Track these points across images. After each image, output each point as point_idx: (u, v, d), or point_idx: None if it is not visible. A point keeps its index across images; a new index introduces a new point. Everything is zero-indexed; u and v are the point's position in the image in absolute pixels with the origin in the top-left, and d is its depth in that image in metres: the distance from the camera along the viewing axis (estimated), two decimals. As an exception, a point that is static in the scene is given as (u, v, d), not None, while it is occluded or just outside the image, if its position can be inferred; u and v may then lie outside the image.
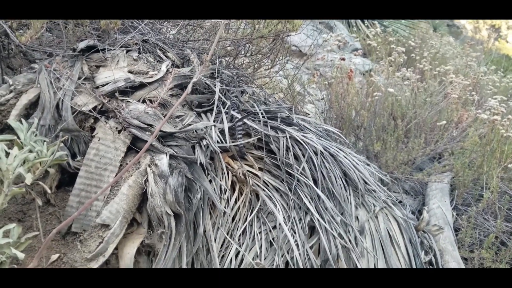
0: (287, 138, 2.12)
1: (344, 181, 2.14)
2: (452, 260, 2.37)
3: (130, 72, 1.70)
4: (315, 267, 1.84)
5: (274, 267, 1.84)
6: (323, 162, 2.12)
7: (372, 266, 1.95)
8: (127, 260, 1.47)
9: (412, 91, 3.45)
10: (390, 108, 3.17)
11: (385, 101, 3.18)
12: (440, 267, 2.30)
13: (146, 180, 1.54)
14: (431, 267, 2.27)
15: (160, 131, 1.63)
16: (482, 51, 7.69)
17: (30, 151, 1.34)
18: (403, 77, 3.62)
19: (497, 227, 2.53)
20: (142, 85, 1.69)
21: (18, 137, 1.38)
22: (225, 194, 1.93)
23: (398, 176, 3.02)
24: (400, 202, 2.83)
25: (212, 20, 2.36)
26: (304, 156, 2.10)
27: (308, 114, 3.31)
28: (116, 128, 1.58)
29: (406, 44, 6.51)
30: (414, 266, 2.08)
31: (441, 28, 13.48)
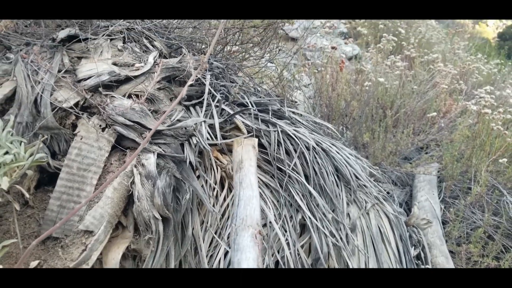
0: (278, 133, 2.05)
1: (336, 177, 2.09)
2: (440, 254, 2.36)
3: (114, 64, 1.58)
4: (306, 266, 1.80)
5: (264, 267, 1.79)
6: (315, 158, 2.06)
7: (363, 264, 1.92)
8: (112, 266, 1.38)
9: (401, 79, 3.40)
10: (380, 98, 3.12)
11: (374, 91, 3.12)
12: (429, 261, 2.29)
13: (133, 182, 1.45)
14: (419, 261, 2.26)
15: (147, 128, 1.53)
16: (468, 36, 7.71)
17: (7, 153, 1.23)
18: (391, 65, 3.57)
19: (485, 221, 2.53)
20: (127, 79, 1.58)
21: (-7, 137, 1.27)
22: (213, 191, 1.85)
23: (386, 168, 2.99)
24: (388, 193, 2.80)
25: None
26: (296, 151, 2.03)
27: (297, 102, 3.23)
28: (100, 125, 1.47)
29: (393, 29, 6.46)
30: (404, 263, 2.06)
31: (424, 11, 13.46)
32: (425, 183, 2.94)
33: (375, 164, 3.05)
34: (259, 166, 2.04)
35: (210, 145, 1.83)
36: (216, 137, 1.85)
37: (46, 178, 1.50)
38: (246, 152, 1.67)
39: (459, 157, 2.89)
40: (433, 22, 9.32)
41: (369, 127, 3.11)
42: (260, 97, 2.35)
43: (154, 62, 1.68)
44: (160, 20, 1.92)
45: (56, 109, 1.42)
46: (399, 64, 3.35)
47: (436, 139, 3.29)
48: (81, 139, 1.42)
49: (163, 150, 1.56)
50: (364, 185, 2.20)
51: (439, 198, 2.85)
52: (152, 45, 1.86)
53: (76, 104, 1.46)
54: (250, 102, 2.11)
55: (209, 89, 1.90)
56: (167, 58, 1.84)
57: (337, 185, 2.09)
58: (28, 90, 1.41)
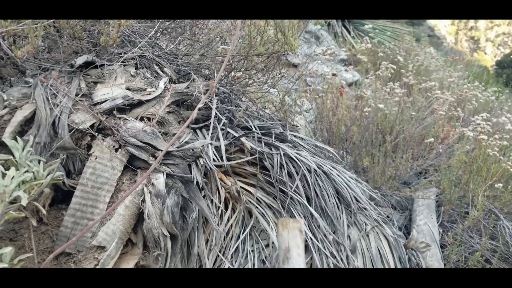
0: (281, 155, 2.12)
1: (336, 199, 2.16)
2: (439, 277, 2.40)
3: (128, 89, 1.68)
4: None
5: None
6: (317, 180, 2.13)
7: (363, 285, 1.97)
8: (122, 282, 1.44)
9: (400, 105, 3.50)
10: (379, 123, 3.21)
11: (374, 116, 3.22)
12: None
13: (143, 200, 1.52)
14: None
15: (157, 149, 1.61)
16: (464, 64, 7.87)
17: (26, 171, 1.31)
18: (390, 91, 3.67)
19: (482, 245, 2.58)
20: (140, 103, 1.67)
21: (13, 156, 1.35)
22: (218, 210, 1.92)
23: (386, 192, 3.05)
24: (388, 217, 2.86)
25: (208, 33, 2.36)
26: (297, 174, 2.10)
27: (298, 126, 3.32)
28: (113, 146, 1.55)
29: (391, 56, 6.62)
30: (403, 285, 2.10)
31: (422, 38, 13.75)
32: (423, 207, 3.00)
33: (375, 188, 3.12)
34: (262, 188, 2.11)
35: (216, 166, 1.91)
36: (221, 159, 1.92)
37: (60, 196, 1.57)
38: (293, 238, 1.46)
39: (456, 182, 2.96)
40: (431, 49, 9.53)
41: (368, 151, 3.19)
42: (263, 121, 2.44)
43: (165, 87, 1.77)
44: (169, 47, 2.03)
45: (72, 131, 1.51)
46: (398, 91, 3.45)
47: (435, 164, 3.36)
48: (95, 159, 1.50)
49: (172, 170, 1.64)
50: (364, 208, 2.26)
51: (437, 222, 2.90)
52: (162, 71, 1.96)
53: (92, 126, 1.55)
54: (254, 126, 2.19)
55: (215, 112, 1.99)
56: (176, 84, 1.93)
57: (338, 207, 2.16)
58: (47, 112, 1.50)
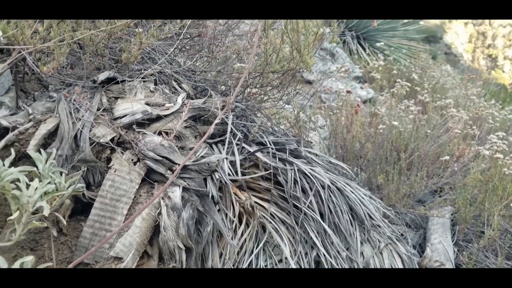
0: (295, 171, 2.15)
1: (350, 216, 2.16)
2: (454, 297, 2.38)
3: (147, 104, 1.73)
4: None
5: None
6: (330, 196, 2.14)
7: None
8: (137, 293, 1.47)
9: (414, 123, 3.50)
10: (393, 141, 3.21)
11: (388, 134, 3.22)
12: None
13: (159, 213, 1.55)
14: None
15: (174, 163, 1.65)
16: (481, 83, 7.82)
17: (49, 183, 1.36)
18: (405, 109, 3.68)
19: (498, 265, 2.54)
20: (158, 117, 1.72)
21: (37, 167, 1.40)
22: (232, 224, 1.94)
23: (400, 210, 3.04)
24: (402, 235, 2.84)
25: (225, 49, 2.42)
26: (311, 190, 2.12)
27: (312, 142, 3.35)
28: (132, 159, 1.60)
29: (407, 73, 6.63)
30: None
31: (439, 56, 13.73)
32: (438, 226, 2.98)
33: (389, 205, 3.11)
34: (275, 203, 2.13)
35: (231, 180, 1.94)
36: (236, 173, 1.96)
37: (80, 207, 1.62)
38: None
39: (472, 201, 2.94)
40: (448, 67, 9.50)
41: (383, 169, 3.19)
42: (278, 137, 2.47)
43: (182, 102, 1.82)
44: (187, 64, 2.08)
45: (93, 144, 1.56)
46: (412, 108, 3.46)
47: (450, 183, 3.34)
48: (114, 171, 1.55)
49: (187, 184, 1.68)
50: (378, 225, 2.26)
51: (452, 241, 2.88)
52: (180, 87, 2.02)
53: (112, 140, 1.60)
54: (268, 141, 2.23)
55: (231, 128, 2.03)
56: (193, 99, 1.98)
57: (351, 224, 2.16)
58: (70, 126, 1.55)
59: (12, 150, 1.40)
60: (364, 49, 8.24)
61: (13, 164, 1.35)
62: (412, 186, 3.11)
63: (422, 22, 11.29)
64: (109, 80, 1.74)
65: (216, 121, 1.20)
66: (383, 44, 8.13)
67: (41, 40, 1.57)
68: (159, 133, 1.71)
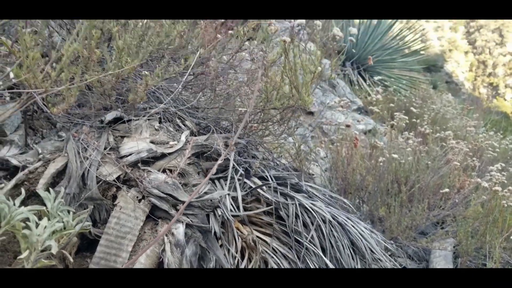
0: (296, 206, 2.18)
1: (351, 250, 2.19)
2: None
3: (152, 142, 1.79)
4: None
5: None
6: (332, 231, 2.17)
7: None
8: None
9: (415, 154, 3.55)
10: (394, 173, 3.26)
11: (389, 166, 3.27)
12: None
13: (163, 250, 1.59)
14: None
15: (178, 200, 1.70)
16: (481, 114, 7.89)
17: (57, 221, 1.40)
18: (405, 141, 3.74)
19: (501, 299, 2.54)
20: (163, 155, 1.78)
21: (46, 206, 1.45)
22: (235, 260, 1.97)
23: (403, 242, 3.05)
24: (404, 268, 2.85)
25: (228, 88, 2.50)
26: (312, 224, 2.15)
27: (313, 174, 3.39)
28: (137, 197, 1.65)
29: (407, 104, 6.71)
30: None
31: (439, 85, 13.88)
32: (440, 259, 2.99)
33: (391, 238, 3.13)
34: (277, 237, 2.16)
35: (232, 216, 1.98)
36: (238, 209, 2.00)
37: (86, 244, 1.66)
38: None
39: (473, 233, 2.95)
40: (449, 96, 9.60)
41: (384, 201, 3.22)
42: (279, 171, 2.52)
43: (186, 140, 1.88)
44: (191, 102, 2.16)
45: (100, 182, 1.62)
46: (411, 141, 3.52)
47: (451, 214, 3.36)
48: (120, 209, 1.60)
49: (191, 220, 1.72)
50: (379, 259, 2.28)
51: (455, 274, 2.88)
52: (184, 124, 2.09)
53: (118, 178, 1.66)
54: (270, 176, 2.27)
55: (233, 164, 2.08)
56: (196, 136, 2.05)
57: (353, 258, 2.18)
58: (78, 165, 1.61)
59: (22, 190, 1.46)
60: (365, 80, 8.38)
61: (23, 202, 1.40)
62: (413, 218, 3.13)
63: (423, 52, 11.47)
64: (116, 120, 1.82)
65: (219, 161, 1.26)
66: (381, 77, 8.27)
67: (52, 83, 1.65)
68: (163, 171, 1.77)
